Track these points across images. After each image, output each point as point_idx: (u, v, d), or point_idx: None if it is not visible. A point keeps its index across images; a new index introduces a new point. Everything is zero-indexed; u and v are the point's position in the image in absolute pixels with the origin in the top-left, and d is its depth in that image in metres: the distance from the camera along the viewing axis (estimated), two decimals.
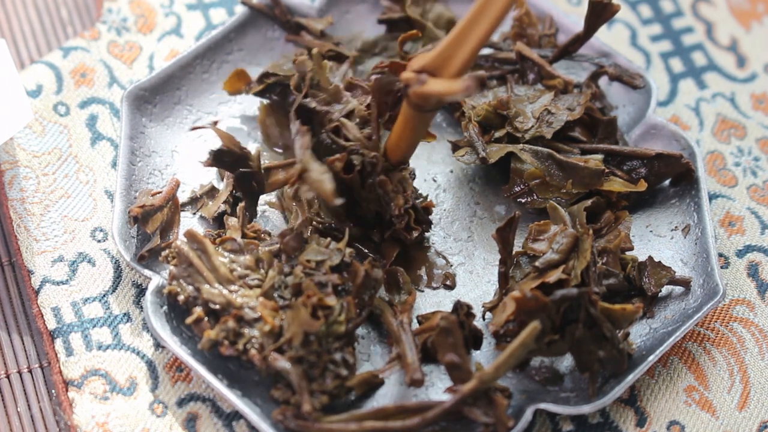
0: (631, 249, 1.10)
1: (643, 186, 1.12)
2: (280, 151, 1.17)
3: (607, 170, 1.12)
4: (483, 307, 1.09)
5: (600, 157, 1.13)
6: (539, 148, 1.12)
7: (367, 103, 1.09)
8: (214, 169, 1.15)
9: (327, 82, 1.11)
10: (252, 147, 1.17)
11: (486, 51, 1.22)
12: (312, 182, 1.00)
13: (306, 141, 1.02)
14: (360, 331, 1.08)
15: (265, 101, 1.19)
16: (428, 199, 1.13)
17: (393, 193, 1.07)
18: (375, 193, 1.07)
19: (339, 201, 1.00)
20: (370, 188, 1.07)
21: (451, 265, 1.12)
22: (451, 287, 1.11)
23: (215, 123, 1.10)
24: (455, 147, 1.17)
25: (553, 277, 1.04)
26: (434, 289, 1.11)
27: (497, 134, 1.14)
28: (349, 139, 1.07)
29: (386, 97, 1.07)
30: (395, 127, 1.06)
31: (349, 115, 1.09)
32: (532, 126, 1.14)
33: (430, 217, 1.12)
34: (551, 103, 1.15)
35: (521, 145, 1.12)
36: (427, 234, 1.14)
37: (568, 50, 1.18)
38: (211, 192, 1.13)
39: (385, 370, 1.04)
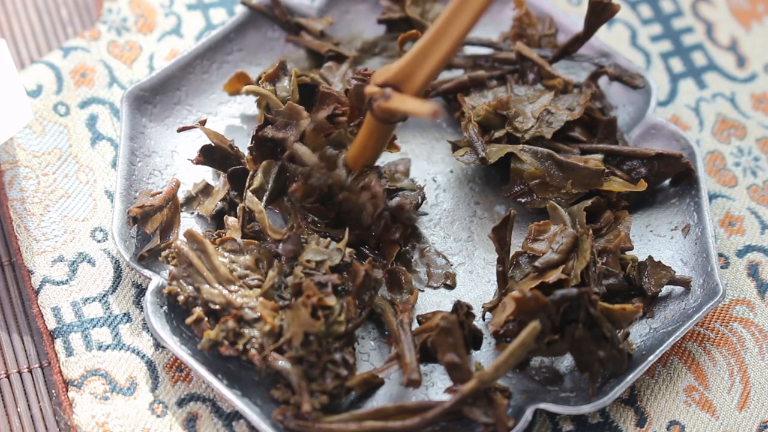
0: (631, 249, 1.10)
1: (643, 186, 1.12)
2: None
3: (607, 170, 1.12)
4: (483, 307, 1.09)
5: (600, 157, 1.13)
6: (539, 149, 1.12)
7: (328, 114, 1.09)
8: (212, 168, 1.15)
9: (277, 104, 1.10)
10: None
11: (486, 51, 1.22)
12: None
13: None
14: (360, 331, 1.08)
15: None
16: (420, 192, 1.14)
17: (361, 204, 1.08)
18: (346, 206, 1.08)
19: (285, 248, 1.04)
20: (339, 204, 1.08)
21: (452, 265, 1.12)
22: (451, 287, 1.11)
23: (203, 122, 1.10)
24: (455, 147, 1.17)
25: (553, 277, 1.04)
26: (434, 288, 1.11)
27: (497, 134, 1.14)
28: (305, 163, 1.08)
29: (360, 104, 1.09)
30: (358, 137, 1.07)
31: (303, 136, 1.09)
32: (532, 126, 1.14)
33: (413, 213, 1.12)
34: (551, 103, 1.15)
35: (521, 145, 1.12)
36: (425, 230, 1.14)
37: (568, 50, 1.18)
38: (206, 189, 1.13)
39: (383, 369, 1.04)
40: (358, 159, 1.08)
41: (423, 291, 1.11)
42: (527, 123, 1.14)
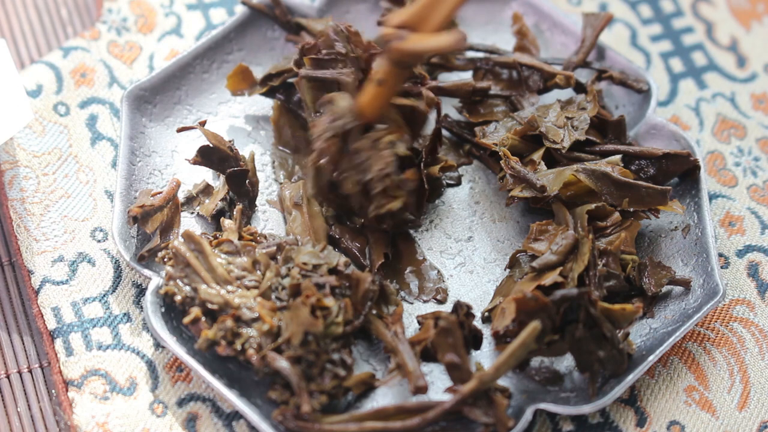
0: (633, 253, 1.10)
1: (681, 209, 1.11)
2: (288, 151, 1.17)
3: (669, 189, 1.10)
4: (482, 314, 1.08)
5: (618, 158, 1.12)
6: (594, 168, 1.09)
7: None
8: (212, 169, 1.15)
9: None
10: (254, 147, 1.17)
11: (485, 54, 1.22)
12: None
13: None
14: (358, 332, 1.07)
15: (277, 101, 1.19)
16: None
17: (372, 158, 1.06)
18: (356, 161, 1.06)
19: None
20: (350, 156, 1.06)
21: (444, 280, 1.11)
22: (442, 302, 1.10)
23: (203, 123, 1.10)
24: (509, 193, 1.13)
25: (549, 279, 1.04)
26: (425, 302, 1.10)
27: (534, 156, 1.12)
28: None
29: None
30: (367, 85, 1.06)
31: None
32: (564, 135, 1.12)
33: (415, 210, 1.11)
34: (562, 111, 1.14)
35: (575, 166, 1.10)
36: (424, 233, 1.13)
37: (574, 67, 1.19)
38: (206, 190, 1.13)
39: (387, 381, 1.03)
40: (369, 109, 1.06)
41: (412, 303, 1.10)
42: (559, 133, 1.13)
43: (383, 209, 1.07)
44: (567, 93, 1.20)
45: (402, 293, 1.10)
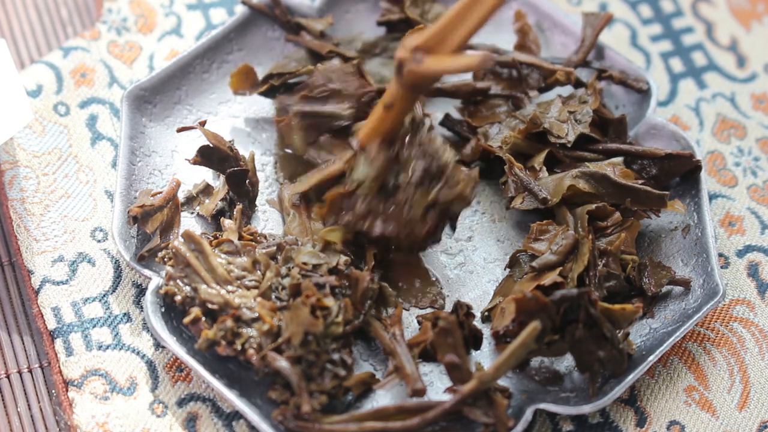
0: (633, 253, 1.10)
1: (683, 208, 1.11)
2: (290, 151, 1.17)
3: (667, 194, 1.10)
4: (482, 314, 1.08)
5: (620, 159, 1.11)
6: (594, 171, 1.09)
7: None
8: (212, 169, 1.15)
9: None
10: (254, 147, 1.17)
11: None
12: None
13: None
14: (358, 332, 1.07)
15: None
16: None
17: (441, 149, 1.05)
18: (421, 149, 1.04)
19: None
20: (417, 145, 1.05)
21: (442, 288, 1.11)
22: (440, 309, 1.10)
23: (203, 123, 1.10)
24: (509, 201, 1.13)
25: (548, 279, 1.04)
26: (422, 309, 1.10)
27: (535, 162, 1.12)
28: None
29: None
30: (374, 110, 1.04)
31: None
32: (568, 129, 1.12)
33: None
34: (564, 106, 1.14)
35: (574, 171, 1.10)
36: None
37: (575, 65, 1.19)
38: (207, 189, 1.13)
39: (385, 384, 1.03)
40: (372, 134, 1.04)
41: (408, 310, 1.10)
42: (563, 128, 1.12)
43: (456, 189, 1.05)
44: (567, 90, 1.20)
45: (400, 299, 1.10)
